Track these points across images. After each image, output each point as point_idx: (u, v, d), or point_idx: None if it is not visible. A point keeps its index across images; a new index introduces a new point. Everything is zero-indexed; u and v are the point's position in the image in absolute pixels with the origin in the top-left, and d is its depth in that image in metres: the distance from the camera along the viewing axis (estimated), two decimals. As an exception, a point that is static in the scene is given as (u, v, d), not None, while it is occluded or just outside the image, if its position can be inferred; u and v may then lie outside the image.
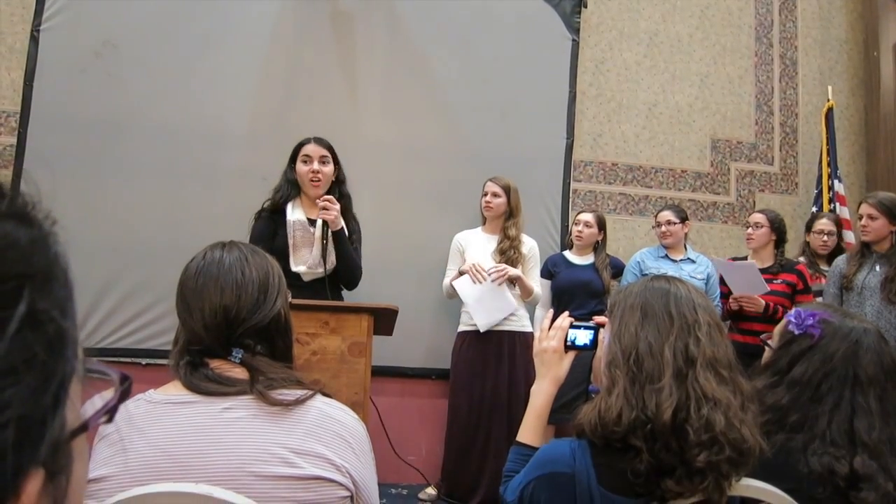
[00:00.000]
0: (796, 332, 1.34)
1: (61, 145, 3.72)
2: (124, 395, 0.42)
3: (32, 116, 3.74)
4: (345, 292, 2.92)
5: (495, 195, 3.55)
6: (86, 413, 0.39)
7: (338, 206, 2.65)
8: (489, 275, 3.38)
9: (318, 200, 2.65)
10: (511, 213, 3.56)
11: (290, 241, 2.70)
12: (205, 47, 3.91)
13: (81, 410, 0.38)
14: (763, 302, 3.43)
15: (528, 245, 3.59)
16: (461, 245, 3.62)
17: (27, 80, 3.76)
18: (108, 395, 0.41)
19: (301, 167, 2.77)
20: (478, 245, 3.58)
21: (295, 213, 2.75)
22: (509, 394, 3.41)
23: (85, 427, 0.38)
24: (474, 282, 3.39)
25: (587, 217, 3.74)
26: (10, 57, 3.83)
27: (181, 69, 3.88)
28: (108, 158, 3.76)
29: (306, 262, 2.70)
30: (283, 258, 2.67)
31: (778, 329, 1.42)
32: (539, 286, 3.59)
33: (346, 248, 2.71)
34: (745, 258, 3.72)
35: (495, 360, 3.44)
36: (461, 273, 3.49)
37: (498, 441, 3.37)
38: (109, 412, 0.41)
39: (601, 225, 3.75)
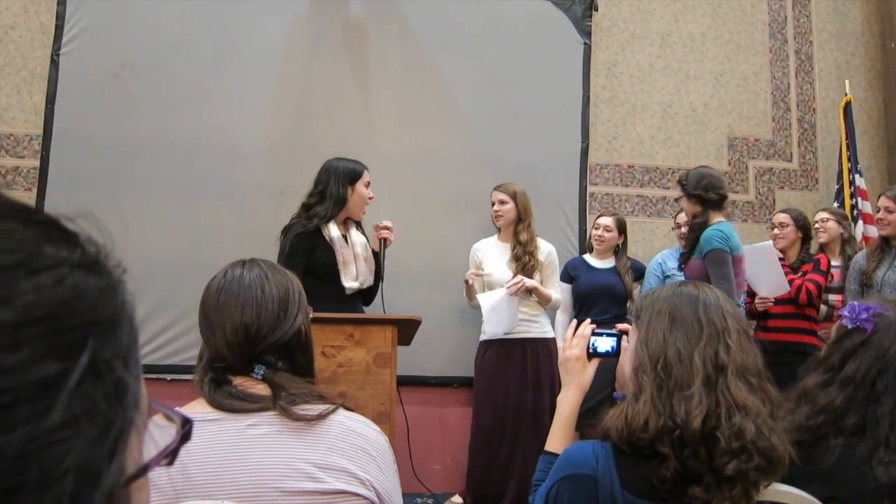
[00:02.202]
0: (849, 326, 1.27)
1: (82, 166, 3.78)
2: (185, 438, 0.41)
3: (54, 139, 3.80)
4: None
5: (503, 202, 3.52)
6: (147, 456, 0.38)
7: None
8: (507, 287, 3.35)
9: (379, 223, 3.02)
10: (520, 217, 3.52)
11: (340, 259, 2.87)
12: (220, 65, 3.96)
13: (142, 454, 0.38)
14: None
15: (546, 251, 3.56)
16: (477, 257, 3.60)
17: (48, 104, 3.82)
18: (162, 433, 0.41)
19: (364, 191, 2.97)
20: (494, 255, 3.56)
21: (335, 231, 2.89)
22: (533, 400, 3.39)
23: (144, 471, 0.38)
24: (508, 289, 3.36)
25: (607, 221, 3.71)
26: (32, 81, 3.90)
27: (197, 87, 3.93)
28: (128, 177, 3.81)
29: (356, 278, 2.89)
30: (327, 273, 2.85)
31: (835, 325, 1.35)
32: (558, 292, 3.56)
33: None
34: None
35: (518, 367, 3.41)
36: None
37: (523, 448, 3.33)
38: (170, 455, 0.40)
39: (621, 229, 3.73)
